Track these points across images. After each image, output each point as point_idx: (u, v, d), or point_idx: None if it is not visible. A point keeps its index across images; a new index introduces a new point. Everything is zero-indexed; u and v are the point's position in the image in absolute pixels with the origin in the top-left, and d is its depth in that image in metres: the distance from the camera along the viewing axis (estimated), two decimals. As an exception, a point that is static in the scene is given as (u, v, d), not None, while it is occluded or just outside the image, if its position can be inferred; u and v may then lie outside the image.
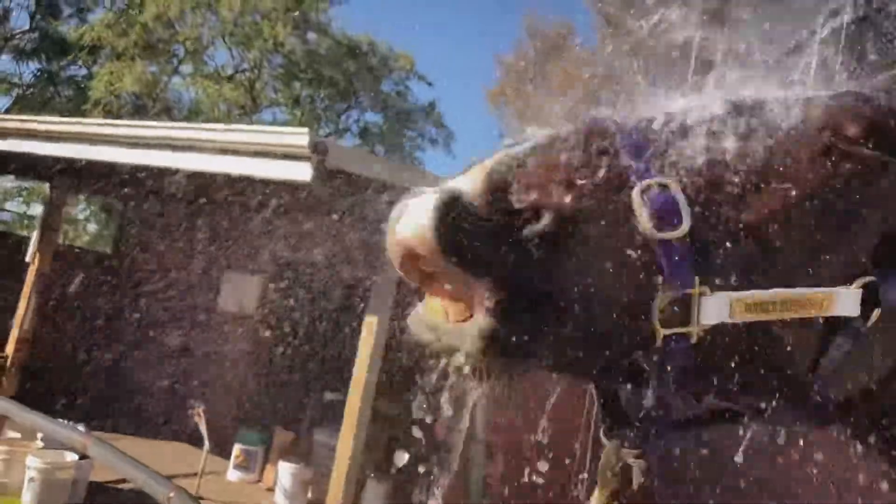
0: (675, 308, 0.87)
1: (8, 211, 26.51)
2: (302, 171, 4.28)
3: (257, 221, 10.15)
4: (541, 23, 25.95)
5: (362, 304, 5.55)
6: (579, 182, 0.89)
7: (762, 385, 0.93)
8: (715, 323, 0.88)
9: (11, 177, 23.66)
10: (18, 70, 26.07)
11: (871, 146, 0.92)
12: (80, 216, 26.31)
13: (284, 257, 10.22)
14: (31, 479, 6.40)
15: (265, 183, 5.36)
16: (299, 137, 4.28)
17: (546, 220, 0.86)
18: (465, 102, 61.68)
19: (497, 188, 0.88)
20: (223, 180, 5.92)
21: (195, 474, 7.88)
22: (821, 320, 0.92)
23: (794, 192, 0.91)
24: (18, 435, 7.17)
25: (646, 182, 0.89)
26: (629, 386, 0.99)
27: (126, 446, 8.71)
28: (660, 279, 0.87)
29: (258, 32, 22.60)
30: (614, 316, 0.87)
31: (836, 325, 0.93)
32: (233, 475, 8.64)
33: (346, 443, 5.16)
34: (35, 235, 7.28)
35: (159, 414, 9.41)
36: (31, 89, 24.99)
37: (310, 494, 8.08)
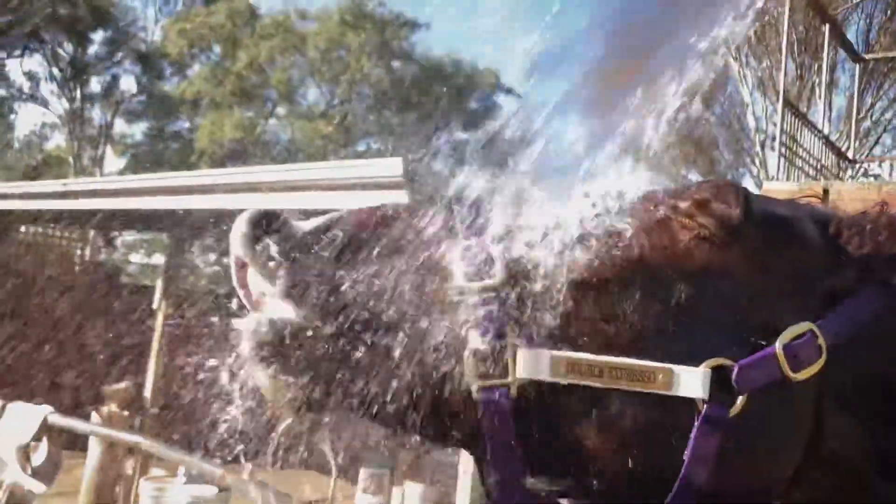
0: (491, 360, 0.84)
1: (133, 263, 28.31)
2: (399, 199, 4.41)
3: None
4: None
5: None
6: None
7: (603, 465, 0.86)
8: (533, 378, 0.83)
9: (134, 231, 25.39)
10: (131, 131, 27.99)
11: (699, 221, 0.89)
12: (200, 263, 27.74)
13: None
14: (178, 513, 6.80)
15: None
16: (394, 167, 4.41)
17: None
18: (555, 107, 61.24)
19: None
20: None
21: (325, 500, 8.13)
22: (676, 403, 0.84)
23: (626, 259, 0.89)
24: (163, 472, 7.63)
25: (462, 240, 0.90)
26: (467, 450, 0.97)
27: (260, 478, 9.13)
28: (474, 331, 0.85)
29: (345, 67, 23.34)
30: (429, 363, 0.86)
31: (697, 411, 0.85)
32: (362, 500, 8.85)
33: (467, 459, 5.22)
34: (159, 284, 7.78)
35: (287, 444, 9.74)
36: (143, 147, 26.72)
37: (438, 513, 8.18)
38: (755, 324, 0.88)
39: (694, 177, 25.61)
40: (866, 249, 0.94)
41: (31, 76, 26.57)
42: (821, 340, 0.86)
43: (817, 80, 15.65)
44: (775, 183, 9.04)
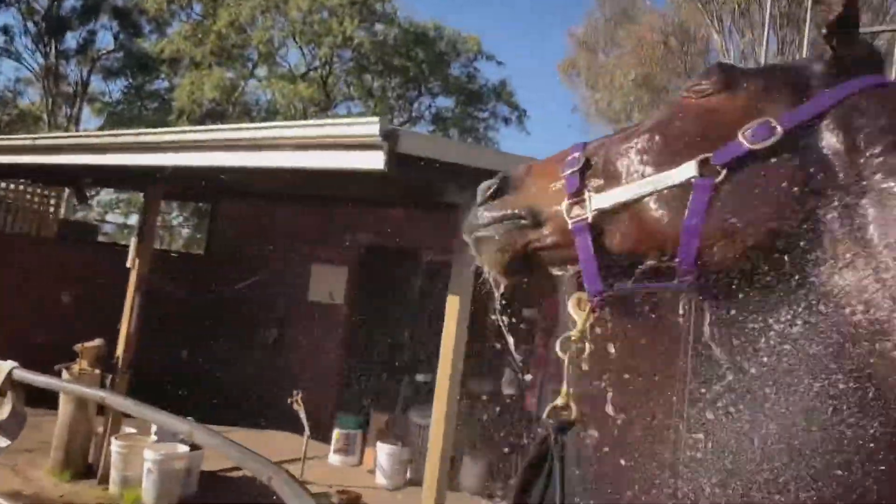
0: (577, 204, 1.22)
1: (110, 223, 27.98)
2: (375, 160, 4.38)
3: (340, 213, 10.41)
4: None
5: (444, 286, 5.64)
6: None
7: (644, 249, 1.19)
8: (602, 207, 1.20)
9: (111, 190, 25.05)
10: (108, 89, 27.46)
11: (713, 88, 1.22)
12: (174, 223, 27.51)
13: (368, 245, 10.45)
14: (149, 471, 6.83)
15: (343, 174, 5.51)
16: (370, 127, 4.38)
17: None
18: (537, 78, 60.96)
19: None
20: (305, 175, 6.13)
21: (298, 460, 8.21)
22: (678, 184, 1.16)
23: (656, 119, 1.26)
24: (135, 430, 7.65)
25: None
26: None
27: (232, 438, 9.17)
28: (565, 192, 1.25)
29: (327, 29, 22.99)
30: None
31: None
32: (334, 459, 8.95)
33: (438, 422, 5.28)
34: (133, 242, 7.71)
35: (260, 404, 9.81)
36: (120, 106, 26.25)
37: (409, 474, 8.29)
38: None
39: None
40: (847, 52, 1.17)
41: (5, 30, 25.91)
42: (774, 123, 1.12)
43: (798, 55, 15.67)
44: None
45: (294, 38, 24.20)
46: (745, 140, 1.12)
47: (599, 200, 1.20)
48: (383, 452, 8.32)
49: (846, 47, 1.16)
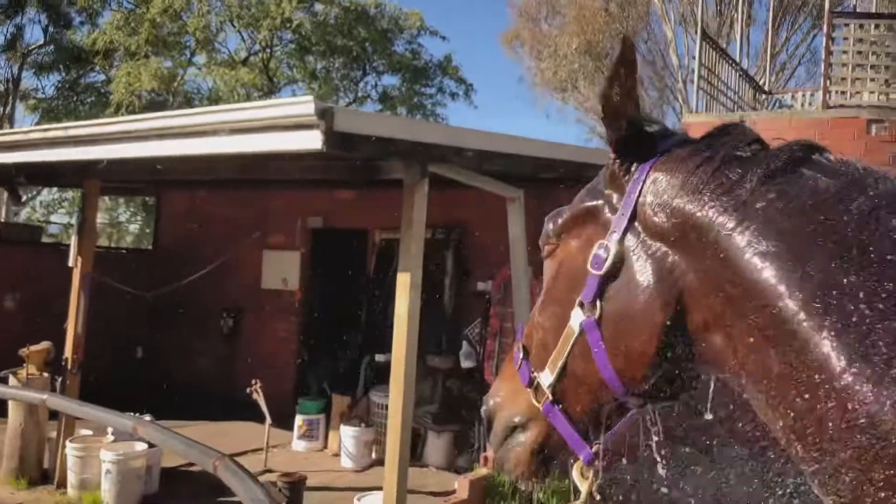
0: (535, 391, 1.34)
1: (55, 223, 27.23)
2: (312, 140, 4.29)
3: (288, 197, 10.26)
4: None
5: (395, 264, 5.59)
6: None
7: (595, 397, 1.29)
8: (550, 382, 1.29)
9: (54, 189, 24.30)
10: (41, 84, 26.55)
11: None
12: (122, 219, 26.89)
13: (319, 228, 10.33)
14: (108, 472, 6.69)
15: (284, 157, 5.40)
16: (305, 106, 4.28)
17: None
18: (482, 51, 60.71)
19: None
20: (246, 161, 6.00)
21: (261, 449, 8.14)
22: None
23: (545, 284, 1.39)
24: (90, 432, 7.48)
25: None
26: None
27: (193, 432, 9.04)
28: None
29: (265, 12, 22.49)
30: None
31: None
32: (298, 445, 8.89)
33: (396, 400, 5.26)
34: (73, 240, 7.47)
35: (220, 396, 9.69)
36: (55, 101, 25.41)
37: (374, 454, 8.28)
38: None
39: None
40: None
41: (-75, 29, 24.79)
42: (604, 242, 1.22)
43: (736, 15, 15.87)
44: (694, 116, 9.20)
45: (232, 23, 23.64)
46: (593, 270, 1.20)
47: (545, 378, 1.28)
48: (347, 435, 8.29)
49: (626, 129, 1.21)
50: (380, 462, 7.94)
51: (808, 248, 0.97)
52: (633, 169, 1.21)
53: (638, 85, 1.21)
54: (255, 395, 8.05)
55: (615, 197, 1.23)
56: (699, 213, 1.08)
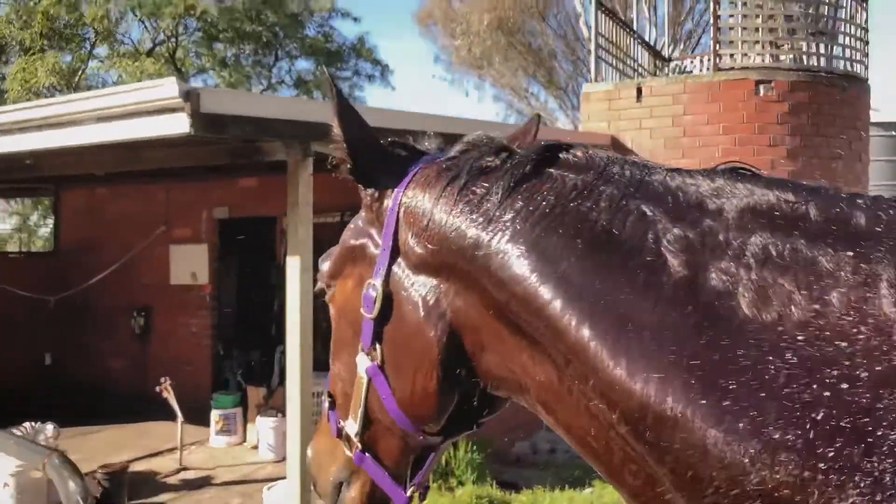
0: (346, 441, 1.31)
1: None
2: (180, 124, 4.13)
3: (190, 188, 9.96)
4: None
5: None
6: None
7: (398, 438, 1.26)
8: (354, 431, 1.26)
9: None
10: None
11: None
12: (31, 223, 25.81)
13: (224, 218, 10.07)
14: (5, 485, 6.39)
15: (157, 144, 5.19)
16: (168, 88, 4.11)
17: None
18: (397, 32, 60.30)
19: None
20: (122, 149, 5.75)
21: (174, 448, 7.94)
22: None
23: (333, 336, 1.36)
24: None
25: None
26: None
27: (110, 435, 8.78)
28: None
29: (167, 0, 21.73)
30: None
31: None
32: (216, 441, 8.70)
33: (293, 387, 5.17)
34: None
35: (134, 397, 9.40)
36: (-53, 102, 24.08)
37: (292, 444, 8.17)
38: None
39: (535, 88, 26.12)
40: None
41: None
42: (371, 281, 1.18)
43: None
44: (592, 84, 9.30)
45: (133, 12, 22.76)
46: (365, 313, 1.17)
47: (351, 427, 1.24)
48: (264, 427, 8.16)
49: (359, 154, 1.19)
50: (298, 451, 7.85)
51: (558, 251, 0.96)
52: (386, 197, 1.17)
53: (360, 116, 1.23)
54: (164, 394, 7.82)
55: (374, 231, 1.19)
56: (453, 236, 1.05)
